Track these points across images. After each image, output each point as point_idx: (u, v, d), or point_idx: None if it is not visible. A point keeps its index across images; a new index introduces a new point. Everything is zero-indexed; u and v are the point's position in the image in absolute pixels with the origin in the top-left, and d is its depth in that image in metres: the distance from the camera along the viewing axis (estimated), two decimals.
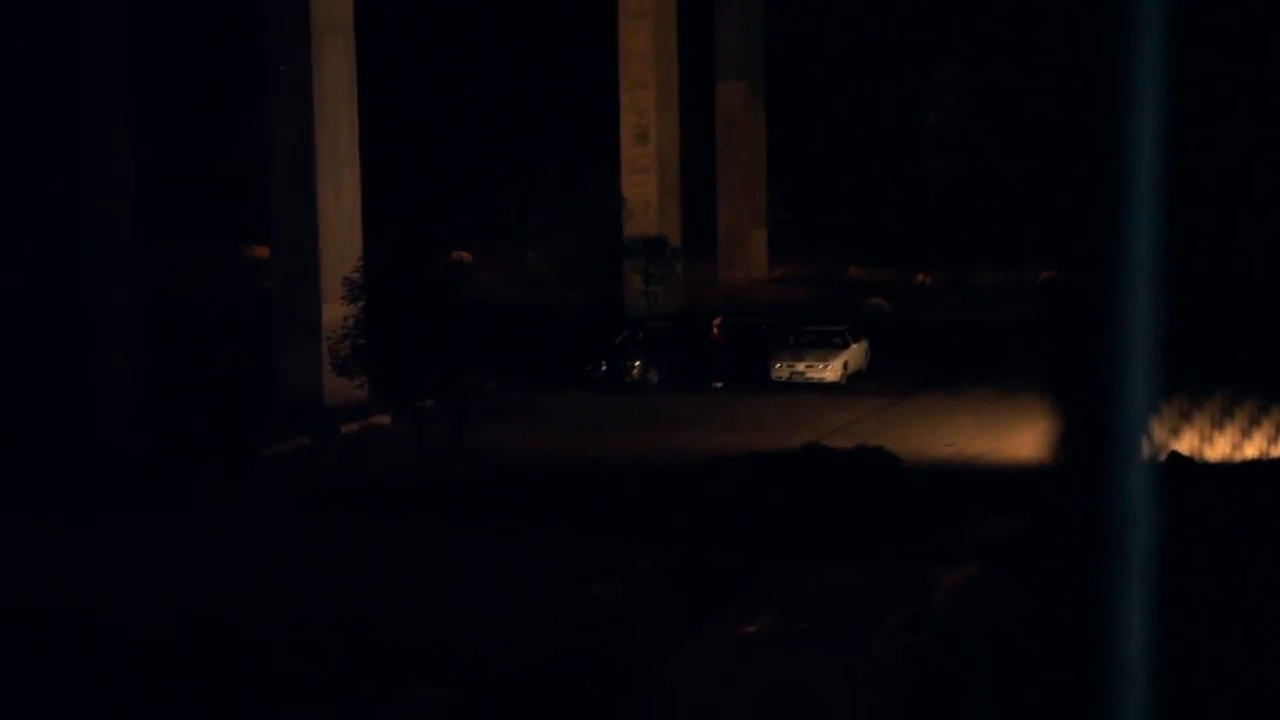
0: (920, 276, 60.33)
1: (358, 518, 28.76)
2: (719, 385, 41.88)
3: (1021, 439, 33.42)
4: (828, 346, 42.49)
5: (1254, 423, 34.56)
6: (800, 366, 41.73)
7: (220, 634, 22.12)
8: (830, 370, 41.72)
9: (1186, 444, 31.50)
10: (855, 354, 42.97)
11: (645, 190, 54.75)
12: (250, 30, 41.33)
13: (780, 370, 41.77)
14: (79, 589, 24.59)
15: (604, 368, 42.59)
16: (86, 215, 33.72)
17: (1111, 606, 2.80)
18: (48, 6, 33.66)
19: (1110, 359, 2.73)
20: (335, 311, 35.53)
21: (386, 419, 36.42)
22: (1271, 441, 33.01)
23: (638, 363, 42.63)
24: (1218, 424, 34.18)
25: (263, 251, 52.64)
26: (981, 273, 58.62)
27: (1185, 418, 33.86)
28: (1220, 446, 32.35)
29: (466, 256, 61.99)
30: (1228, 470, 29.54)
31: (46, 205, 33.97)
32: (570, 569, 24.62)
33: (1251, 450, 32.33)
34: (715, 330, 43.01)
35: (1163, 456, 29.11)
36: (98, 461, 32.08)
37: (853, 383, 41.84)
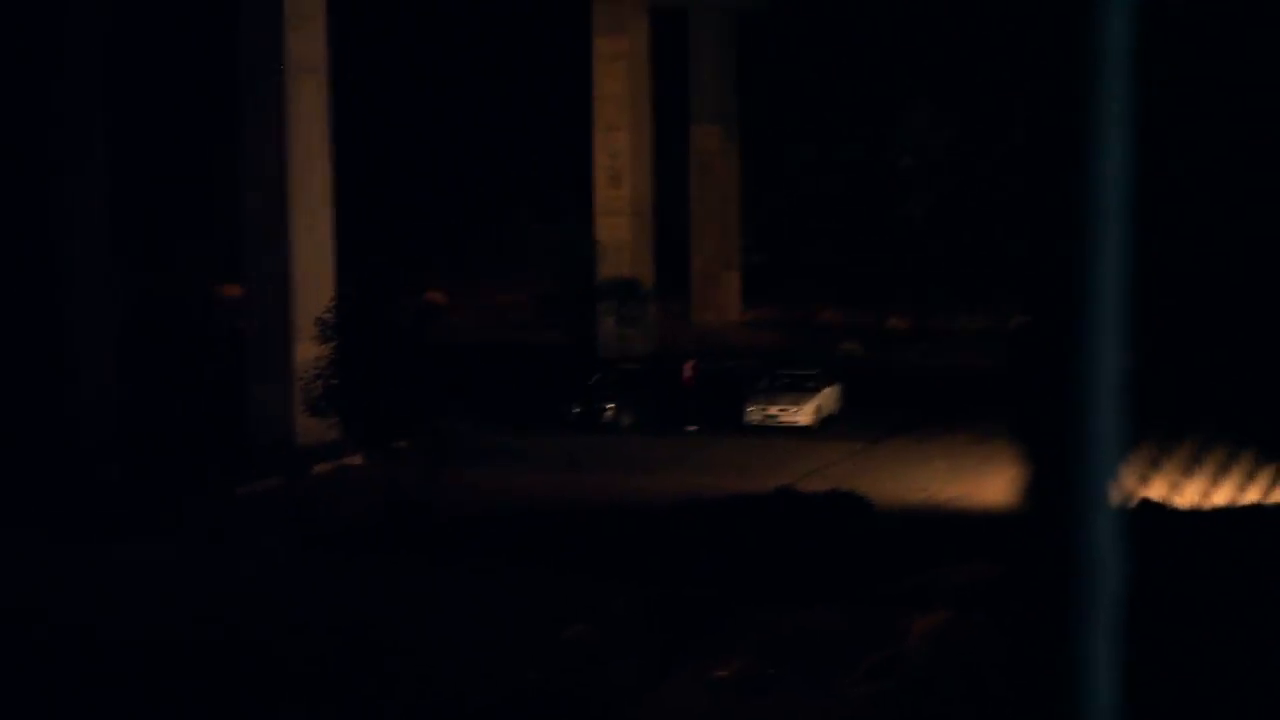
0: (893, 320, 60.57)
1: (332, 557, 28.79)
2: (693, 428, 41.99)
3: (994, 484, 33.58)
4: (801, 390, 42.64)
5: (1223, 470, 34.78)
6: (773, 410, 41.88)
7: (189, 670, 22.12)
8: (803, 414, 41.87)
9: (1156, 491, 31.69)
10: (828, 398, 43.13)
11: (619, 232, 54.94)
12: (225, 69, 41.46)
13: (753, 414, 41.91)
14: (45, 615, 24.57)
15: (577, 410, 42.68)
16: (60, 251, 33.77)
17: (1081, 650, 2.93)
18: (24, 41, 33.75)
19: (1078, 405, 2.85)
20: (308, 351, 35.57)
21: (359, 459, 36.42)
22: (1240, 489, 33.22)
23: (611, 405, 42.74)
24: (1187, 471, 34.38)
25: (236, 290, 52.68)
26: (955, 318, 58.88)
27: (1155, 465, 34.05)
28: (1190, 494, 32.54)
29: (439, 297, 62.06)
30: (1198, 517, 29.73)
31: (18, 241, 34.00)
32: (545, 609, 24.68)
33: (1221, 497, 32.52)
34: (688, 373, 43.15)
35: (1134, 503, 29.33)
36: (68, 493, 32.05)
37: (826, 427, 41.99)
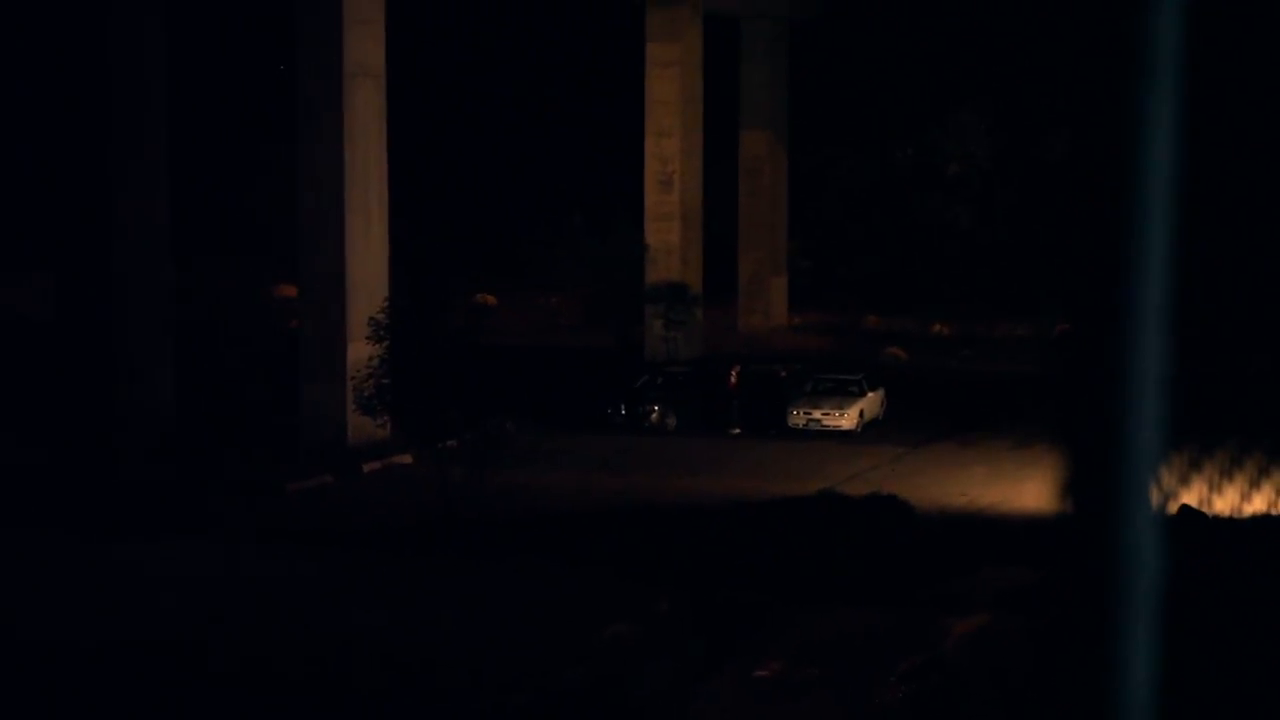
0: (937, 327, 60.33)
1: (379, 556, 28.82)
2: (736, 431, 41.89)
3: (1034, 489, 33.36)
4: (844, 395, 42.49)
5: (1262, 475, 34.50)
6: (816, 414, 41.73)
7: (230, 666, 22.13)
8: (846, 418, 41.70)
9: (1194, 496, 31.44)
10: (871, 402, 42.95)
11: (668, 237, 54.84)
12: (284, 73, 41.56)
13: (797, 417, 41.77)
14: (93, 612, 24.65)
15: (624, 412, 42.64)
16: (119, 253, 33.91)
17: (1119, 650, 2.84)
18: (84, 48, 33.91)
19: (1119, 409, 2.77)
20: (360, 351, 35.63)
21: (408, 458, 36.47)
22: (1277, 496, 32.94)
23: (656, 407, 42.67)
24: (1225, 476, 34.12)
25: (291, 290, 52.85)
26: (999, 324, 58.61)
27: (1193, 469, 33.79)
28: (1228, 499, 32.29)
29: (490, 299, 62.12)
30: (1237, 524, 29.48)
31: (79, 242, 34.17)
32: (588, 609, 24.62)
33: (1259, 503, 32.25)
34: (732, 377, 43.04)
35: (1174, 509, 29.09)
36: (123, 491, 32.21)
37: (868, 431, 41.82)
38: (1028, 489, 33.75)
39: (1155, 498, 2.86)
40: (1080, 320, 2.76)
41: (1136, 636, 2.71)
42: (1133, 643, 2.70)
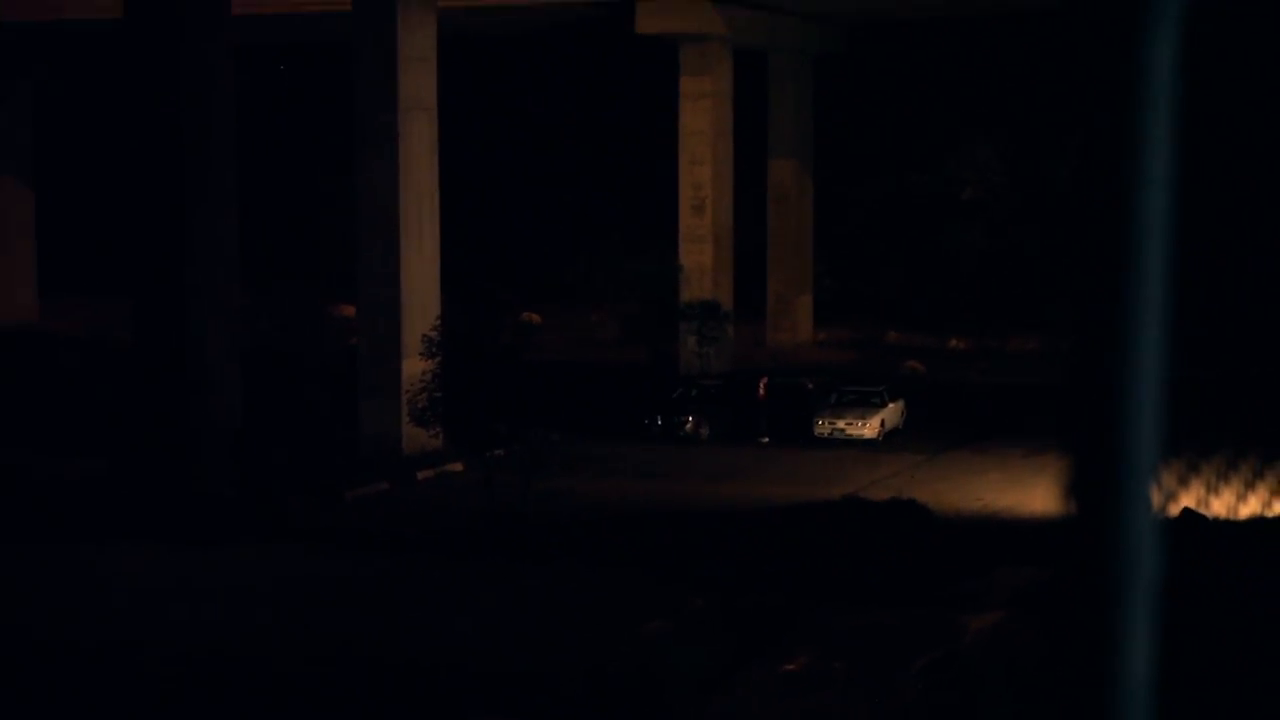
0: (954, 342, 60.37)
1: (432, 560, 29.11)
2: (765, 440, 42.07)
3: (1046, 494, 33.43)
4: (867, 406, 42.63)
5: (1256, 478, 34.51)
6: (841, 424, 41.88)
7: (281, 662, 22.42)
8: (869, 428, 41.85)
9: (1192, 498, 31.50)
10: (892, 413, 43.08)
11: (701, 258, 55.13)
12: (344, 106, 41.99)
13: (822, 427, 41.92)
14: (164, 614, 24.99)
15: (660, 422, 42.87)
16: (191, 278, 34.30)
17: (1117, 648, 2.97)
18: (159, 89, 34.31)
19: (1119, 412, 2.87)
20: (414, 366, 35.97)
21: (459, 467, 36.78)
22: (1272, 496, 32.95)
23: (691, 418, 42.89)
24: (1221, 479, 34.15)
25: (350, 310, 53.26)
26: (1013, 339, 58.61)
27: (1191, 472, 33.83)
28: (1224, 501, 32.33)
29: (536, 318, 62.41)
30: (1236, 526, 29.53)
31: (155, 268, 34.58)
32: (627, 607, 24.86)
33: (1254, 505, 32.28)
34: (761, 389, 43.24)
35: (1175, 511, 29.15)
36: (197, 500, 32.59)
37: (889, 440, 41.94)
38: (1040, 493, 33.83)
39: (1155, 499, 2.96)
40: (1081, 327, 2.85)
41: (1136, 633, 2.90)
42: (1132, 639, 2.90)
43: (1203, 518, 29.05)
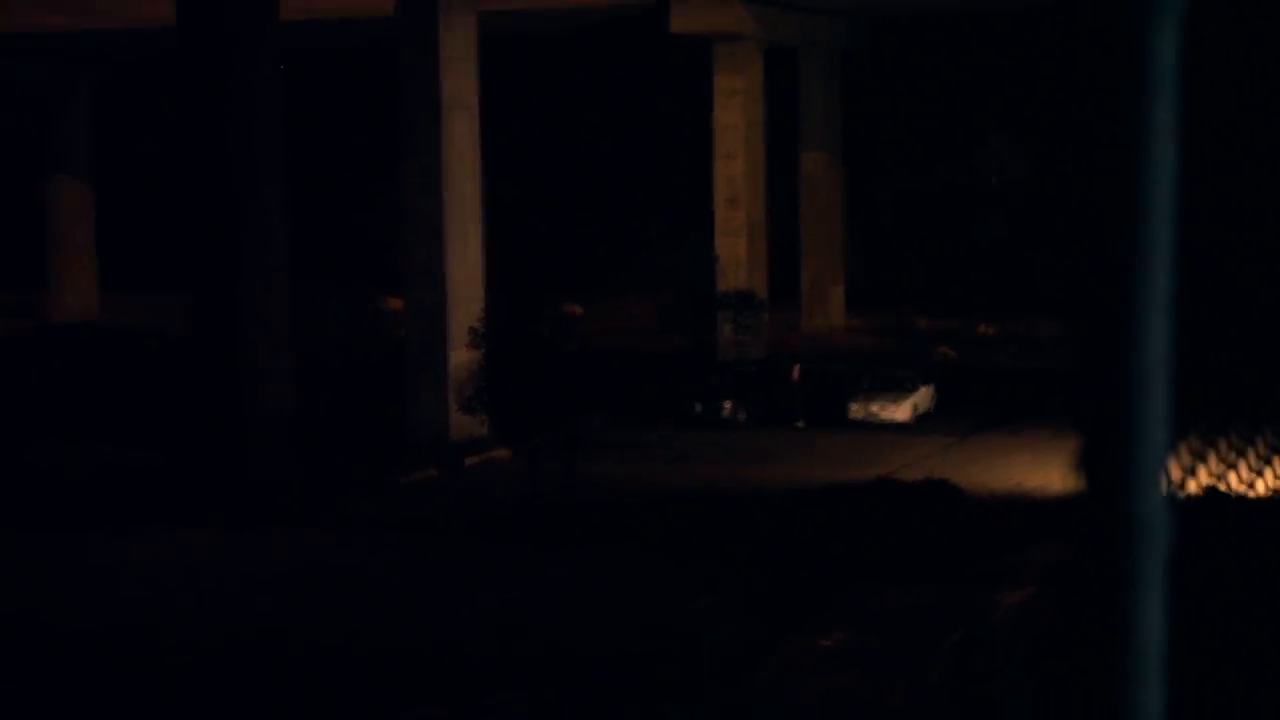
0: (983, 327, 60.10)
1: (481, 544, 29.11)
2: (801, 424, 41.95)
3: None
4: (899, 390, 42.47)
5: (1273, 455, 34.14)
6: (874, 408, 41.73)
7: (318, 642, 22.44)
8: (901, 411, 41.69)
9: (1204, 477, 31.20)
10: (923, 397, 42.91)
11: (736, 249, 55.06)
12: (390, 106, 42.03)
13: (856, 411, 41.78)
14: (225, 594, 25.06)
15: (699, 408, 42.81)
16: (245, 275, 34.37)
17: (1128, 621, 2.94)
18: (209, 90, 34.39)
19: (1128, 389, 2.82)
20: (461, 357, 36.00)
21: (505, 453, 36.78)
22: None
23: (729, 403, 42.80)
24: (1230, 461, 33.79)
25: (398, 303, 53.33)
26: (1039, 324, 58.30)
27: (1206, 449, 33.46)
28: (1237, 479, 32.02)
29: (578, 310, 62.41)
30: (1259, 504, 29.28)
31: (210, 266, 34.67)
32: (671, 585, 24.82)
33: (1270, 480, 31.96)
34: (796, 374, 43.12)
35: (1198, 490, 28.89)
36: (250, 484, 32.70)
37: (921, 423, 41.77)
38: (1069, 473, 33.58)
39: (1167, 476, 2.92)
40: (1091, 306, 2.81)
41: (1148, 607, 2.85)
42: (1144, 612, 2.85)
43: (1226, 495, 28.82)
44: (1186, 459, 31.33)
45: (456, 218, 39.78)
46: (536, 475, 32.79)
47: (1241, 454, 33.37)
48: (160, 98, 63.41)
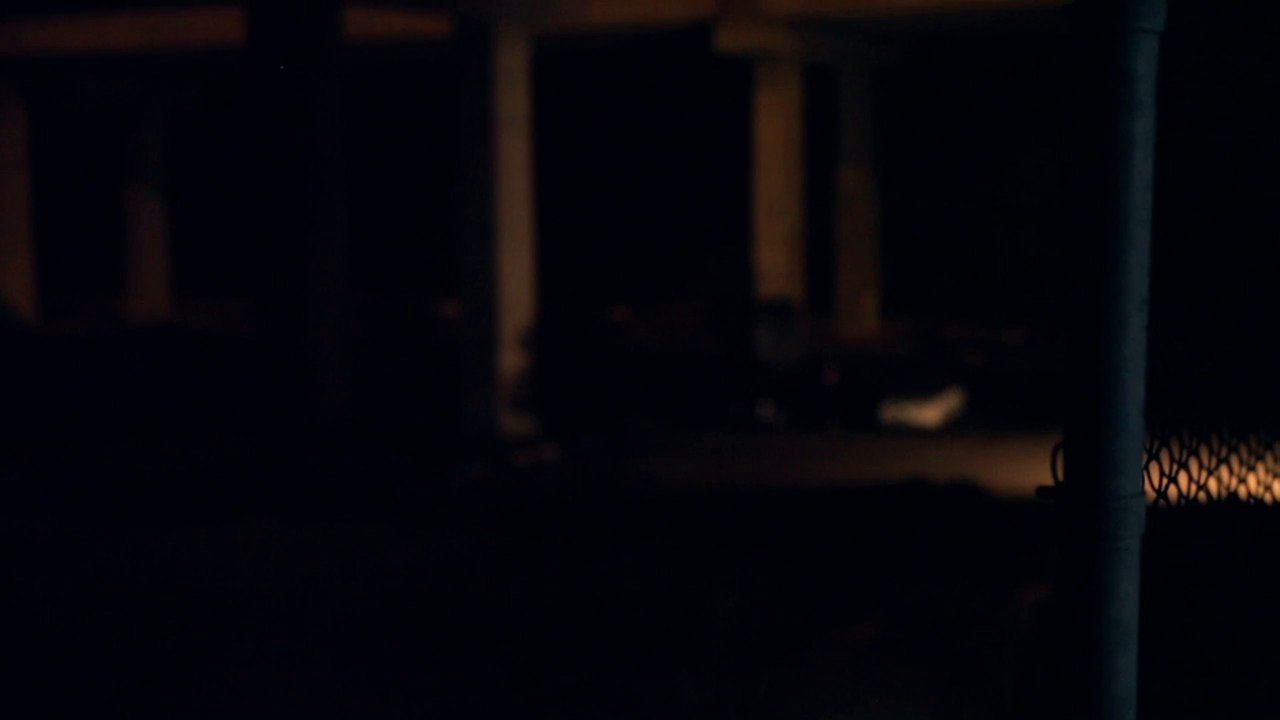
0: (1011, 334, 59.97)
1: (527, 538, 29.33)
2: (833, 427, 41.99)
3: None
4: (929, 393, 42.46)
5: (1256, 457, 33.75)
6: (905, 411, 41.75)
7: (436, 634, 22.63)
8: (931, 414, 41.67)
9: (1184, 480, 30.91)
10: (953, 400, 42.88)
11: (774, 258, 55.16)
12: (446, 121, 42.33)
13: (887, 414, 41.80)
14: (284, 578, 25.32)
15: (737, 410, 42.91)
16: (308, 280, 34.68)
17: (1111, 609, 3.06)
18: (275, 107, 34.70)
19: (1110, 380, 2.95)
20: (511, 358, 36.21)
21: (554, 450, 36.98)
22: (1273, 476, 32.20)
23: (765, 406, 42.88)
24: (1217, 461, 33.45)
25: (452, 308, 53.62)
26: (1065, 332, 58.07)
27: (1186, 454, 33.15)
28: (1221, 479, 31.71)
29: (622, 313, 62.58)
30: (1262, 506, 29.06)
31: (274, 271, 34.99)
32: (707, 580, 24.94)
33: (1251, 484, 31.66)
34: (830, 378, 43.17)
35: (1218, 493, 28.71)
36: (315, 483, 33.03)
37: (950, 425, 41.75)
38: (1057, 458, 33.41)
39: (1144, 478, 2.99)
40: (1075, 302, 2.93)
41: (1123, 578, 2.96)
42: (1120, 583, 2.96)
43: (1235, 497, 28.65)
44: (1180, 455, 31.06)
45: (507, 226, 40.03)
46: (585, 472, 32.94)
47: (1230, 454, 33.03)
48: (230, 114, 63.99)
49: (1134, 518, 2.98)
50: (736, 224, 58.96)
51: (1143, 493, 2.95)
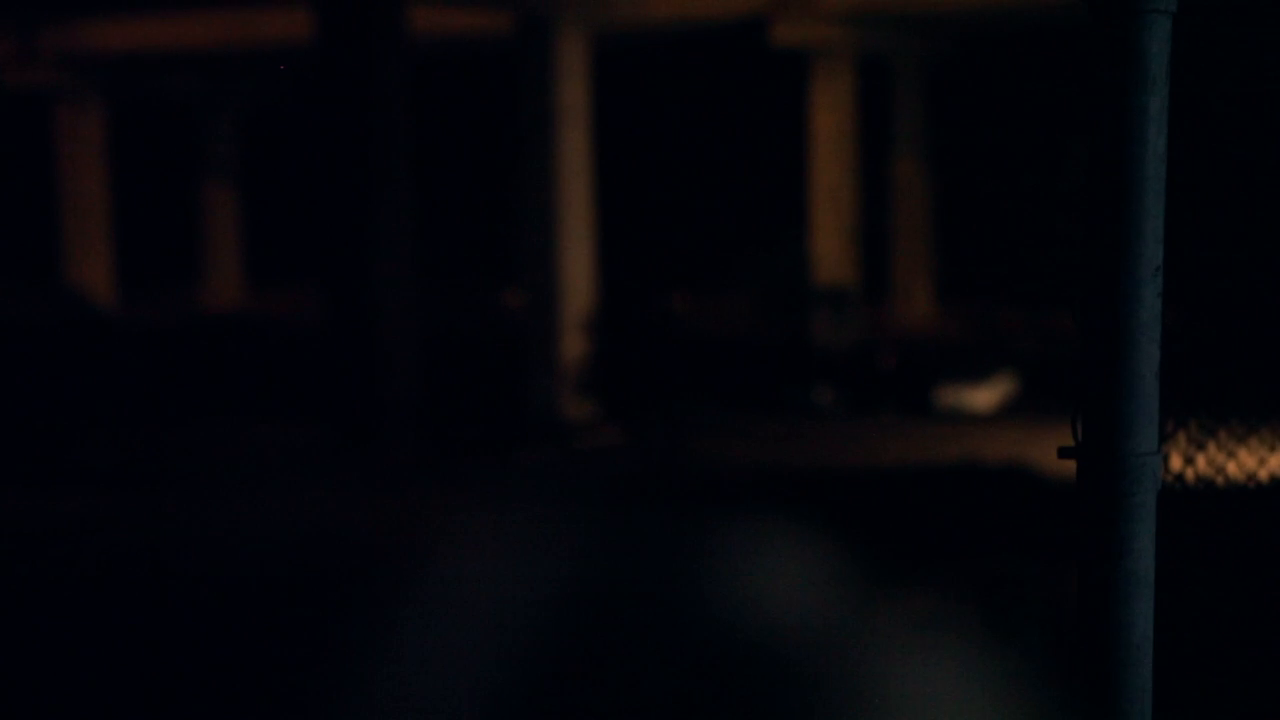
0: (1062, 320, 59.68)
1: (591, 514, 29.56)
2: (889, 411, 41.99)
3: None
4: (983, 378, 42.39)
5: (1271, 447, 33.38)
6: (959, 395, 41.71)
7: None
8: (985, 399, 41.62)
9: (1200, 465, 30.65)
10: (1006, 385, 42.80)
11: (830, 247, 55.17)
12: (510, 113, 42.63)
13: (941, 398, 41.77)
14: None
15: (794, 395, 42.97)
16: (377, 269, 35.05)
17: (1125, 538, 3.18)
18: (344, 102, 35.07)
19: (1126, 343, 3.07)
20: (572, 344, 36.49)
21: (615, 432, 37.20)
22: None
23: (822, 391, 42.93)
24: (1234, 447, 33.12)
25: (515, 296, 53.97)
26: None
27: (1202, 440, 32.86)
28: (1241, 462, 31.44)
29: (682, 300, 62.67)
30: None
31: (343, 261, 35.35)
32: (771, 555, 25.08)
33: (1275, 464, 31.39)
34: (885, 363, 43.19)
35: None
36: (385, 464, 33.39)
37: (1004, 410, 41.66)
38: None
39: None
40: (1093, 271, 3.05)
41: (1140, 532, 3.12)
42: (1136, 536, 3.12)
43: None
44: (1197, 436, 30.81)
45: (568, 216, 40.28)
46: (647, 453, 33.18)
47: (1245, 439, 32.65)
48: (300, 108, 64.56)
49: (1150, 474, 3.15)
50: (792, 214, 58.93)
51: (1158, 451, 3.12)
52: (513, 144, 41.61)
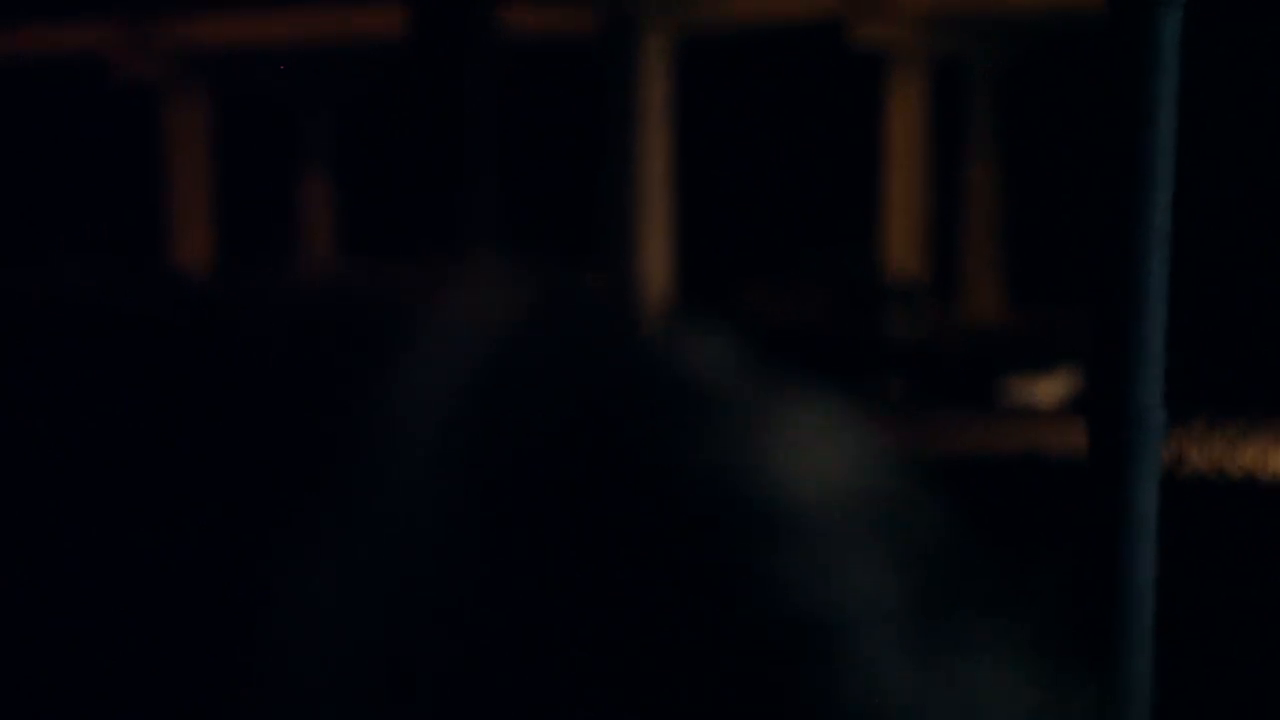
0: None
1: None
2: (957, 404, 41.84)
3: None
4: (1047, 372, 42.14)
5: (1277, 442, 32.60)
6: (1024, 388, 41.51)
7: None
8: (1049, 392, 41.40)
9: (1216, 450, 30.03)
10: (1070, 379, 42.52)
11: (902, 244, 54.94)
12: (594, 110, 42.82)
13: (1007, 391, 41.58)
14: None
15: (864, 386, 42.91)
16: (466, 250, 35.38)
17: (1129, 486, 3.32)
18: (438, 97, 35.40)
19: (1135, 302, 3.21)
20: (649, 328, 36.69)
21: None
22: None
23: (893, 385, 42.85)
24: (1240, 443, 32.44)
25: (598, 282, 54.22)
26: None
27: (1209, 435, 32.20)
28: (1249, 456, 30.81)
29: (758, 293, 62.67)
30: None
31: (432, 240, 35.73)
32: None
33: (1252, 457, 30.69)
34: (954, 360, 43.02)
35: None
36: None
37: (1067, 404, 41.40)
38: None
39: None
40: (1105, 239, 3.19)
41: (1144, 480, 3.29)
42: (1140, 484, 3.29)
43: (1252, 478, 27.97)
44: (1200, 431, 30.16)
45: (646, 210, 40.42)
46: None
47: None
48: (391, 101, 65.13)
49: (1153, 422, 3.32)
50: (866, 212, 58.77)
51: (1160, 405, 3.28)
52: (596, 139, 41.71)
